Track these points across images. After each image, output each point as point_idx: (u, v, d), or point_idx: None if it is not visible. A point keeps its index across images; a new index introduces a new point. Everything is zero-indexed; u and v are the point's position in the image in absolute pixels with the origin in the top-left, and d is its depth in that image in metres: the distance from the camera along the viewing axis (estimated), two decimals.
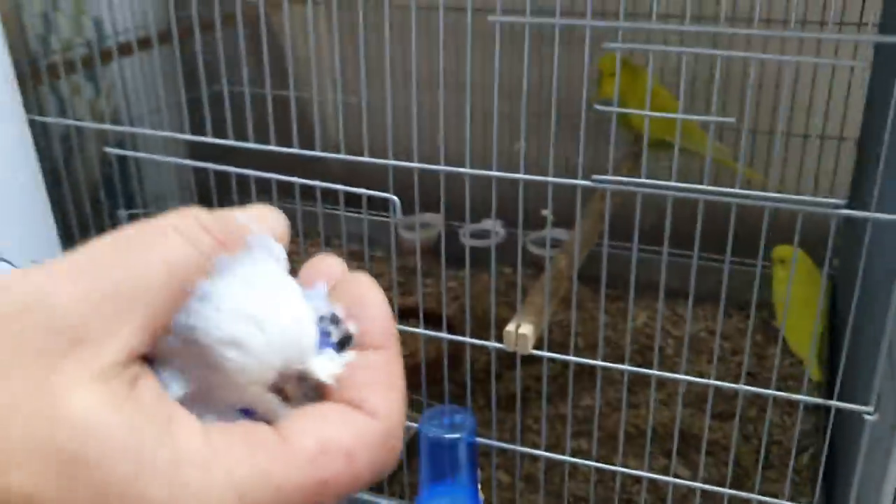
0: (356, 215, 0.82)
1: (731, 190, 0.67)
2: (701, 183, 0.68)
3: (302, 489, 0.22)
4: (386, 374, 0.24)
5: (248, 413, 0.24)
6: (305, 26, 0.88)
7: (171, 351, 0.24)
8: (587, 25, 0.65)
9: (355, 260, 1.21)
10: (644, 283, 0.77)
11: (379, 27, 0.73)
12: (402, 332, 0.81)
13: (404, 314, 0.99)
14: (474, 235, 1.21)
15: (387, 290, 0.26)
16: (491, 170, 0.74)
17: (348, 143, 0.88)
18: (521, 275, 0.78)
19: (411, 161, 0.76)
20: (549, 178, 0.72)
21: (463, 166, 0.74)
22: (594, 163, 0.74)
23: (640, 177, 0.71)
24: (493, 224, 0.88)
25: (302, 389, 0.26)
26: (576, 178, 0.71)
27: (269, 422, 0.24)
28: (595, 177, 0.70)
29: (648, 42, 0.98)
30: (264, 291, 0.24)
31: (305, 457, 0.22)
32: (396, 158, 0.77)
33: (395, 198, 0.74)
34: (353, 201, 0.81)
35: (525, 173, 0.73)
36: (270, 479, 0.21)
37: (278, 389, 0.25)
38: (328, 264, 0.27)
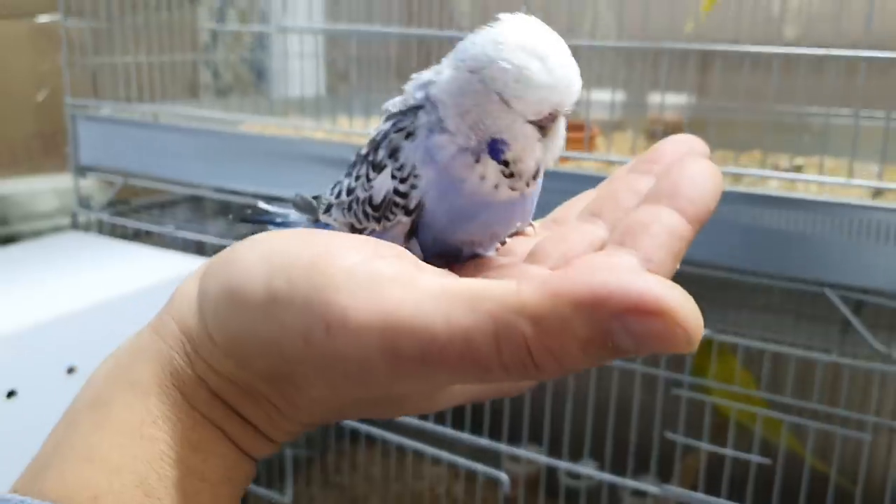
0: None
1: None
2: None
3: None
4: (657, 232, 0.25)
5: (495, 145, 0.25)
6: None
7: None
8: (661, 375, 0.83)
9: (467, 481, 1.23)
10: None
11: None
12: None
13: None
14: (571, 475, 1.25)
15: None
16: None
17: None
18: None
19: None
20: (627, 481, 0.86)
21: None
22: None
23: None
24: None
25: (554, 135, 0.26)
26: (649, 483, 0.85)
27: (507, 158, 0.25)
28: (665, 486, 0.84)
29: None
30: (545, 33, 0.25)
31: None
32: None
33: (505, 477, 0.89)
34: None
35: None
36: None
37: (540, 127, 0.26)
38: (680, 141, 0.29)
